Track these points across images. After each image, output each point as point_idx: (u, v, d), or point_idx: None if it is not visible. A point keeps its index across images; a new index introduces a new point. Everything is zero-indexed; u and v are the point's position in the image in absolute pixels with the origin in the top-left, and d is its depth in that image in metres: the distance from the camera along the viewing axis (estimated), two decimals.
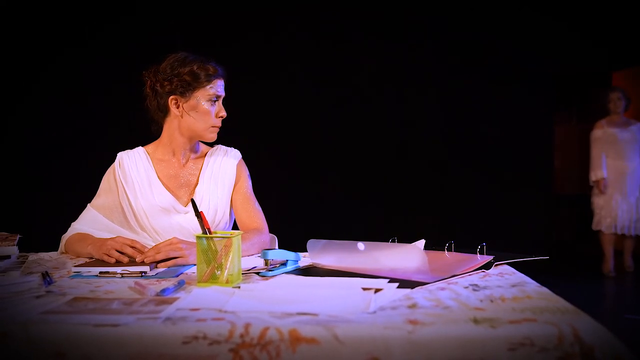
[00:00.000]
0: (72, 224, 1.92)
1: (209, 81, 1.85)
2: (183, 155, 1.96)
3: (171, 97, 1.85)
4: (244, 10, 4.91)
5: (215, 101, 1.88)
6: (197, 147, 2.00)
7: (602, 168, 5.20)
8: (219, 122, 1.90)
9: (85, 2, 4.63)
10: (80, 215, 1.93)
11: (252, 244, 1.80)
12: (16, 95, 4.54)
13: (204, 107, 1.86)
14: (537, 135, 5.42)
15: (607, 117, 5.32)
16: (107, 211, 1.91)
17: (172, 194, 1.91)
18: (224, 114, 1.90)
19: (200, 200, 1.91)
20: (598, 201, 5.32)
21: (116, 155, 1.96)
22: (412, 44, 5.15)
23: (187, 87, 1.84)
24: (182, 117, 1.87)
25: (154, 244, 1.83)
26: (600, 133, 5.27)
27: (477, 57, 5.24)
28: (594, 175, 5.26)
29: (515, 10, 5.24)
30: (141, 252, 1.59)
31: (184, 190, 1.94)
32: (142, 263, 1.53)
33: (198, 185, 1.94)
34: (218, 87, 1.87)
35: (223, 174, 1.97)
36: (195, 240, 1.43)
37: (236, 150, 2.06)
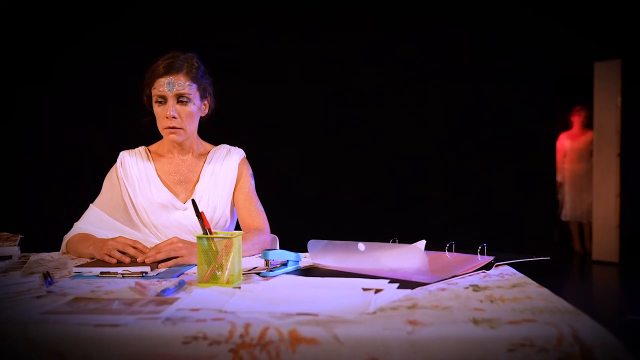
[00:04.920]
0: (75, 223, 1.92)
1: (154, 80, 1.84)
2: (179, 152, 1.97)
3: (144, 98, 1.91)
4: (246, 9, 4.92)
5: (162, 102, 1.84)
6: (195, 145, 1.99)
7: (560, 172, 6.74)
8: (170, 123, 1.83)
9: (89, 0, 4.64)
10: (83, 215, 1.94)
11: (252, 244, 1.80)
12: (18, 94, 4.54)
13: (154, 108, 1.87)
14: (538, 135, 5.42)
15: (567, 131, 6.80)
16: (111, 209, 1.92)
17: (171, 191, 1.92)
18: (168, 113, 1.81)
19: (200, 197, 1.92)
20: (560, 196, 6.90)
21: (118, 155, 1.98)
22: (415, 43, 5.15)
23: (145, 88, 1.88)
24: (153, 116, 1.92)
25: (157, 241, 1.84)
26: (559, 144, 6.72)
27: (480, 57, 5.23)
28: (558, 177, 6.74)
29: (518, 9, 5.23)
30: (142, 252, 1.60)
31: (183, 187, 1.95)
32: (143, 263, 1.53)
33: (198, 182, 1.95)
34: (160, 86, 1.82)
35: (225, 172, 1.97)
36: (195, 240, 1.44)
37: (240, 149, 2.05)
